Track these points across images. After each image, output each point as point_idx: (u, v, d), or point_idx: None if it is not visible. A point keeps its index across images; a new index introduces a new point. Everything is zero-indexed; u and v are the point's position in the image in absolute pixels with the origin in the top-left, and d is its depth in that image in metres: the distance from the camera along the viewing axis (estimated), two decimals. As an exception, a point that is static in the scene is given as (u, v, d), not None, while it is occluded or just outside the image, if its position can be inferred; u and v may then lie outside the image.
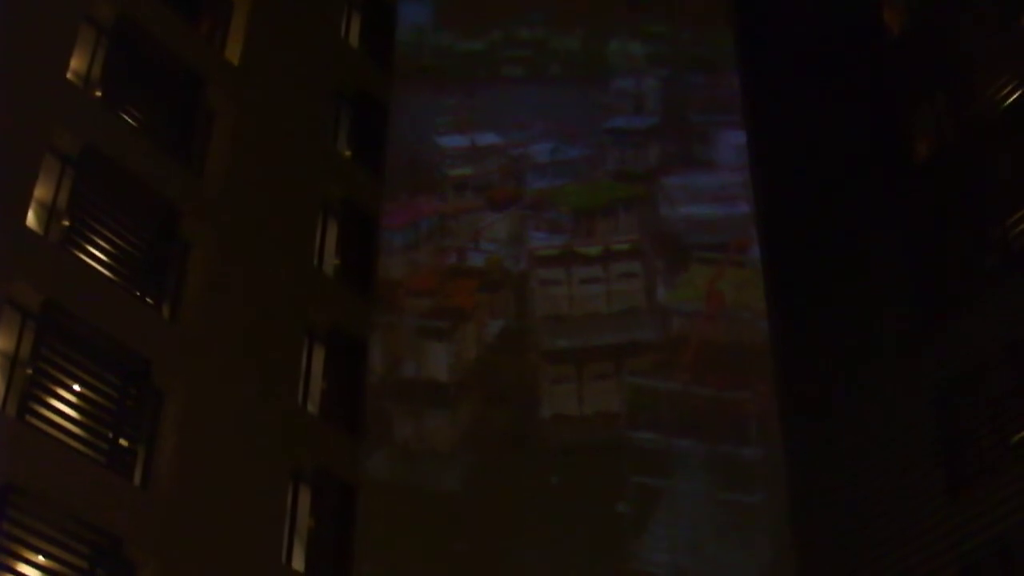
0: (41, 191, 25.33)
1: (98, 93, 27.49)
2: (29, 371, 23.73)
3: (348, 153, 35.42)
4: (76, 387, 24.56)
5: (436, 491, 44.93)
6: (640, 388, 47.88)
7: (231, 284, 28.93)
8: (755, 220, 43.32)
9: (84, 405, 24.60)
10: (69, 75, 26.92)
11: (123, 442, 25.08)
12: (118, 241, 26.56)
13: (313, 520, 29.45)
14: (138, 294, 26.71)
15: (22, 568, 22.54)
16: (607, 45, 57.81)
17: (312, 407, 30.75)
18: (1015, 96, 29.57)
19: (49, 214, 25.49)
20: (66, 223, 25.54)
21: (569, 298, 50.57)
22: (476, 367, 48.94)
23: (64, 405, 24.15)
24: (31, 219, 24.89)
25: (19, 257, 24.08)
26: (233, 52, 31.85)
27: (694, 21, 56.84)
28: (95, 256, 25.93)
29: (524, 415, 47.92)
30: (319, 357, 31.51)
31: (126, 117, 27.98)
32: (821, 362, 33.19)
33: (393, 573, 38.82)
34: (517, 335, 50.00)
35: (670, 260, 51.35)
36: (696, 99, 55.41)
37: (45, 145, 25.60)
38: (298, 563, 28.61)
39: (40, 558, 22.86)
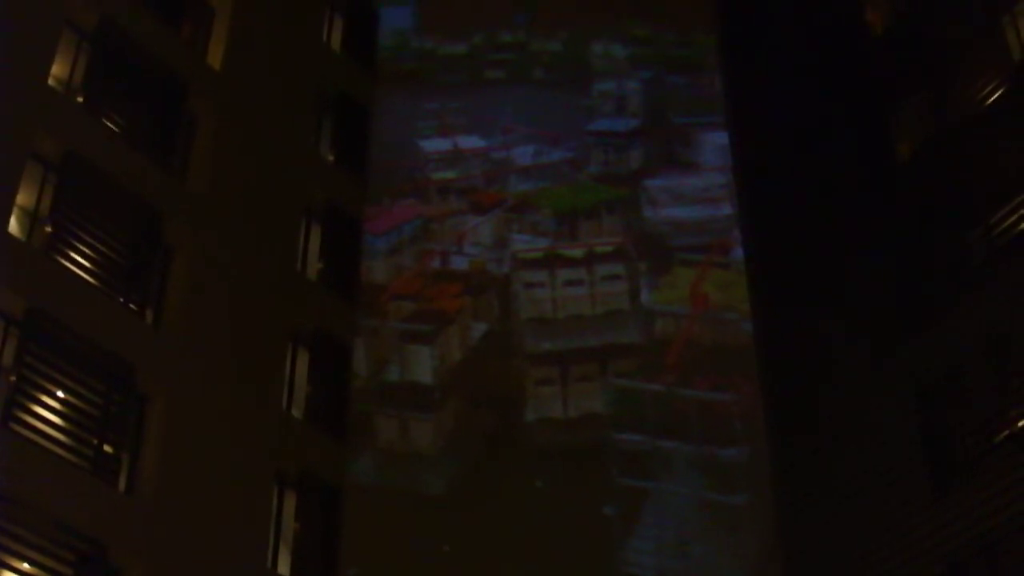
0: (23, 197, 25.28)
1: (80, 98, 27.43)
2: (13, 378, 23.65)
3: (331, 157, 35.38)
4: (60, 393, 24.49)
5: (421, 494, 45.02)
6: (624, 390, 48.03)
7: (214, 289, 28.89)
8: (738, 221, 43.44)
9: (68, 411, 24.53)
10: (51, 80, 26.86)
11: (108, 448, 25.00)
12: (101, 247, 26.49)
13: (298, 524, 29.41)
14: (121, 300, 26.65)
15: (7, 575, 22.48)
16: (589, 48, 58.01)
17: (296, 411, 30.71)
18: (997, 94, 29.62)
19: (32, 220, 25.43)
20: (49, 229, 25.47)
21: (553, 300, 50.72)
22: (460, 370, 49.06)
23: (48, 412, 24.08)
24: (13, 225, 24.83)
25: (2, 264, 24.01)
26: (215, 57, 31.81)
27: (676, 23, 57.03)
28: (78, 262, 25.87)
29: (509, 418, 48.02)
30: (303, 361, 31.47)
31: (108, 122, 27.92)
32: (805, 362, 33.20)
33: (379, 576, 38.83)
34: (501, 338, 50.13)
35: (653, 262, 51.53)
36: (678, 101, 55.64)
37: (27, 151, 25.53)
38: (284, 567, 28.56)
39: (25, 565, 22.77)
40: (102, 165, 26.97)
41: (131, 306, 26.89)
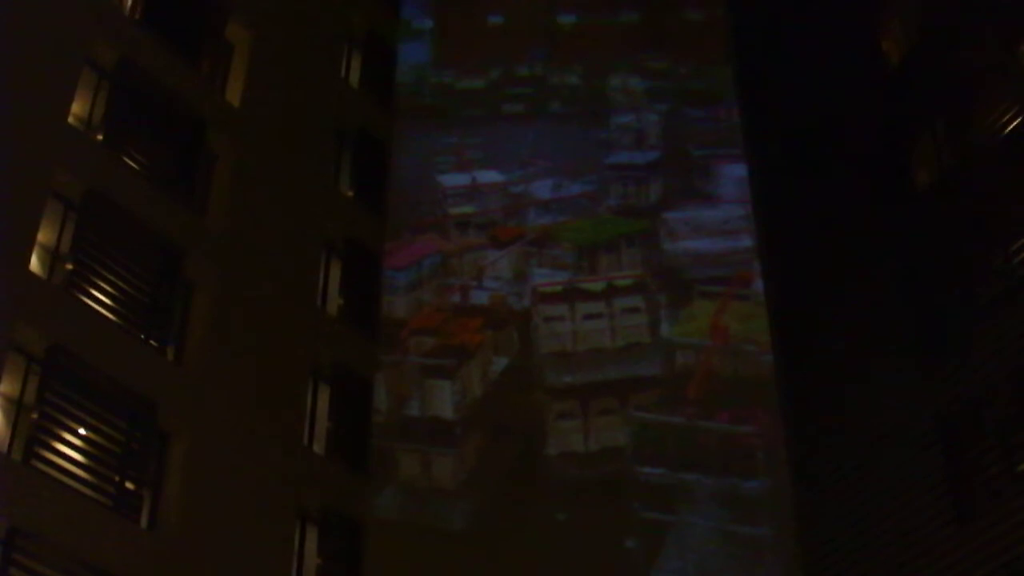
0: (44, 235, 25.37)
1: (100, 136, 27.54)
2: (35, 415, 23.71)
3: (350, 193, 35.48)
4: (82, 430, 24.54)
5: (443, 529, 44.87)
6: (646, 423, 47.84)
7: (235, 325, 28.95)
8: (757, 253, 43.36)
9: (90, 448, 24.57)
10: (71, 118, 26.99)
11: (129, 485, 25.02)
12: (122, 284, 26.56)
13: (320, 560, 29.40)
14: (142, 336, 26.71)
15: (30, 612, 22.51)
16: (607, 81, 57.97)
17: (318, 447, 30.73)
18: (1015, 123, 29.59)
19: (53, 258, 25.52)
20: (70, 267, 25.55)
21: (573, 334, 50.57)
22: (481, 405, 48.90)
23: (70, 448, 24.12)
24: (34, 263, 24.92)
25: (23, 301, 24.10)
26: (234, 94, 31.94)
27: (693, 55, 57.04)
28: (99, 299, 25.94)
29: (530, 452, 47.88)
30: (324, 397, 31.50)
31: (128, 160, 28.02)
32: (826, 393, 33.15)
33: (401, 612, 38.70)
34: (522, 372, 49.97)
35: (673, 294, 51.36)
36: (696, 133, 55.53)
37: (47, 188, 25.65)
38: (306, 603, 28.62)
39: (47, 602, 22.82)
40: (122, 202, 27.06)
41: (152, 343, 26.96)
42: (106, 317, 25.98)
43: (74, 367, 24.65)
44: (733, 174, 51.67)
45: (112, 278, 26.41)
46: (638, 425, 48.10)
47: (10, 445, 23.32)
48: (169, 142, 29.62)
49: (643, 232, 53.70)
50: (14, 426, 23.60)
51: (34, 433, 23.59)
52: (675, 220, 53.64)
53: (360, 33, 38.45)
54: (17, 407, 23.78)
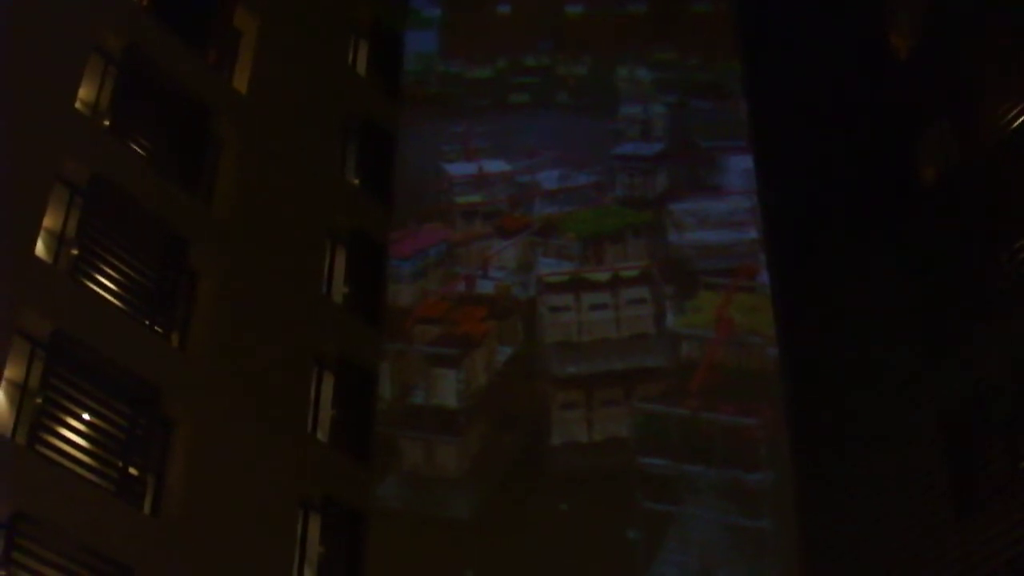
0: (50, 220, 25.38)
1: (106, 122, 27.54)
2: (39, 400, 23.73)
3: (356, 181, 35.46)
4: (85, 416, 24.56)
5: (445, 518, 44.97)
6: (649, 414, 47.93)
7: (240, 312, 28.96)
8: (763, 245, 43.39)
9: (93, 434, 24.59)
10: (78, 104, 26.98)
11: (132, 470, 25.05)
12: (127, 270, 26.57)
13: (323, 548, 29.42)
14: (147, 323, 26.72)
15: (32, 597, 22.54)
16: (614, 72, 58.04)
17: (321, 435, 30.76)
18: (1022, 120, 29.54)
19: (58, 243, 25.53)
20: (75, 252, 25.57)
21: (578, 324, 50.66)
22: (485, 394, 49.01)
23: (73, 434, 24.14)
24: (40, 248, 24.93)
25: (28, 286, 24.12)
26: (241, 81, 31.93)
27: (701, 48, 57.07)
28: (104, 285, 25.95)
29: (534, 442, 47.98)
30: (328, 385, 31.51)
31: (134, 146, 28.02)
32: (830, 387, 33.13)
33: (404, 600, 38.75)
34: (526, 362, 50.08)
35: (679, 286, 51.45)
36: (703, 125, 55.60)
37: (54, 174, 25.65)
38: (308, 591, 28.65)
39: (50, 587, 22.86)
40: (128, 189, 27.07)
41: (157, 329, 26.96)
42: (111, 303, 26.00)
43: (78, 352, 24.68)
44: (739, 166, 51.79)
45: (117, 264, 26.42)
46: (642, 416, 48.19)
47: (14, 430, 23.36)
48: (175, 129, 29.61)
49: (649, 223, 53.78)
50: (18, 411, 23.63)
51: (38, 418, 23.62)
52: (681, 211, 53.72)
53: (367, 21, 38.42)
54: (21, 392, 23.80)
